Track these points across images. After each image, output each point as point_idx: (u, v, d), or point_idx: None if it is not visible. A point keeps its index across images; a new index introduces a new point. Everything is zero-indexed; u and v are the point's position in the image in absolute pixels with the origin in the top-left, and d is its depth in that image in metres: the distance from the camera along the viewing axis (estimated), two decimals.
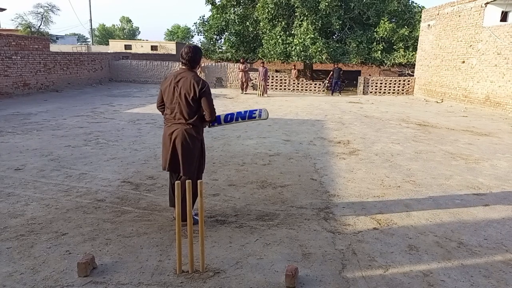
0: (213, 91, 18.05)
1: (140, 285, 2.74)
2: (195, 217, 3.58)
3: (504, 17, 13.85)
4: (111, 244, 3.32)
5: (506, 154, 7.12)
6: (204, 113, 3.50)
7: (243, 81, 18.30)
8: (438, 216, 4.11)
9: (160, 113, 3.72)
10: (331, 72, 19.26)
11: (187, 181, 2.86)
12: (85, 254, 2.98)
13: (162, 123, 3.73)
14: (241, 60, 19.20)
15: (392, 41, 20.72)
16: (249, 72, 19.11)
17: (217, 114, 3.60)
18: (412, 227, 3.82)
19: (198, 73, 3.64)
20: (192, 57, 3.47)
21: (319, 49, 19.58)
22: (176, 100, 3.44)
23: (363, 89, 19.30)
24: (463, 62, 15.11)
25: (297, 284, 2.76)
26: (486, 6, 13.93)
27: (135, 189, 4.73)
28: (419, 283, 2.86)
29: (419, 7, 22.17)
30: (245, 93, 17.97)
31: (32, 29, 38.47)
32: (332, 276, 2.91)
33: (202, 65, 20.17)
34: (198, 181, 2.85)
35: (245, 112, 3.75)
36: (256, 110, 3.75)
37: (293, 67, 22.36)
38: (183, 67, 3.53)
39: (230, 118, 3.72)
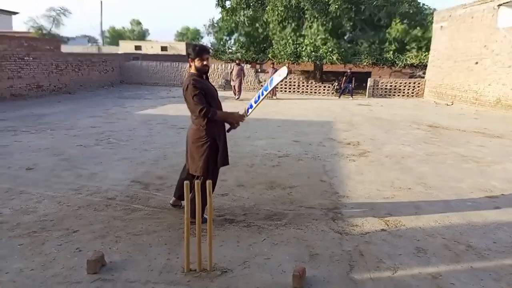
0: (222, 93, 18.04)
1: (148, 283, 2.76)
2: (204, 216, 3.60)
3: None
4: (120, 241, 3.36)
5: None
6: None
7: (235, 84, 16.19)
8: (448, 218, 4.07)
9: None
10: (344, 76, 19.15)
11: (196, 181, 2.89)
12: (95, 252, 3.02)
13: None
14: (236, 62, 17.57)
15: (405, 41, 20.53)
16: (243, 75, 16.72)
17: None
18: (421, 229, 3.79)
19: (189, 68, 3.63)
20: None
21: (330, 49, 19.49)
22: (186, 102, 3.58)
23: (373, 91, 19.18)
24: (477, 63, 14.93)
25: (305, 285, 2.76)
26: (499, 8, 13.75)
27: (144, 188, 4.78)
28: (428, 285, 2.84)
29: (430, 9, 21.99)
30: (238, 99, 15.80)
31: (44, 32, 39.03)
32: (340, 277, 2.91)
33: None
34: (207, 181, 2.88)
35: (267, 84, 3.84)
36: (272, 77, 3.79)
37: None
38: None
39: (258, 97, 3.80)
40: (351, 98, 18.36)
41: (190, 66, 3.53)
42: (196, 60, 3.46)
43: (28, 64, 14.28)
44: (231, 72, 16.94)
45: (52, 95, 15.21)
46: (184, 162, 3.93)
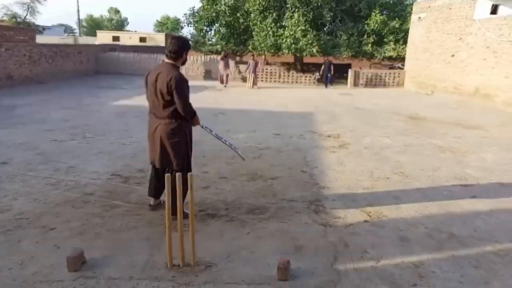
0: (202, 83, 17.98)
1: (132, 280, 2.71)
2: (186, 210, 3.55)
3: (494, 10, 13.94)
4: (100, 238, 3.28)
5: (493, 146, 7.21)
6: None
7: (222, 73, 17.61)
8: (427, 208, 4.15)
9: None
10: (323, 66, 19.23)
11: (177, 174, 2.82)
12: (74, 249, 2.93)
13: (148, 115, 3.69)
14: (224, 53, 18.81)
15: (383, 34, 20.75)
16: (236, 65, 18.55)
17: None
18: (402, 219, 3.85)
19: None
20: (175, 48, 3.40)
21: (310, 41, 19.51)
22: (155, 94, 3.43)
23: (354, 81, 19.34)
24: (453, 56, 15.22)
25: (289, 277, 2.76)
26: None
27: (124, 182, 4.68)
28: (410, 274, 2.89)
29: None
30: (225, 86, 17.29)
31: (18, 20, 37.60)
32: (324, 268, 2.92)
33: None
34: (189, 174, 2.83)
35: (231, 144, 4.07)
36: (238, 149, 4.12)
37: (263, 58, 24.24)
38: (165, 59, 3.50)
39: (219, 136, 3.97)
40: (331, 87, 18.48)
41: (178, 59, 3.46)
42: (187, 53, 3.50)
43: None
44: (221, 61, 17.80)
45: (23, 85, 14.67)
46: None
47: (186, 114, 3.44)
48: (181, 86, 3.35)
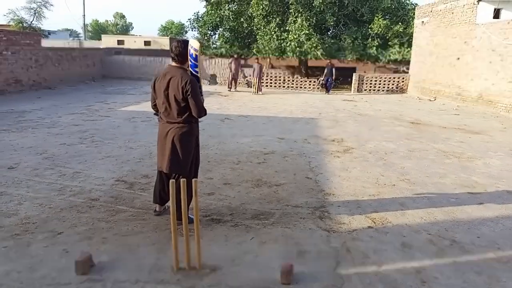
0: (206, 88, 18.05)
1: (138, 283, 2.75)
2: (190, 216, 3.60)
3: (496, 14, 13.95)
4: (107, 242, 3.33)
5: (498, 152, 7.21)
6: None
7: (231, 77, 17.63)
8: (432, 215, 4.16)
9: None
10: (325, 70, 19.20)
11: (181, 179, 2.87)
12: (82, 252, 2.98)
13: (157, 121, 3.74)
14: (235, 56, 18.79)
15: (387, 37, 20.78)
16: (241, 69, 18.48)
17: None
18: (407, 226, 3.87)
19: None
20: (181, 51, 3.45)
21: (314, 44, 19.58)
22: (166, 100, 3.45)
23: (358, 86, 19.34)
24: (458, 59, 15.20)
25: (293, 281, 2.80)
26: (478, 3, 14.01)
27: (129, 188, 4.73)
28: (412, 279, 2.91)
29: (412, 4, 22.29)
30: (234, 91, 17.34)
31: (25, 25, 37.94)
32: (327, 273, 2.95)
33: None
34: (193, 180, 2.87)
35: (190, 60, 3.58)
36: (190, 50, 3.58)
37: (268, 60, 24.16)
38: (172, 63, 3.53)
39: (195, 72, 3.62)
40: (327, 93, 18.23)
41: (185, 62, 3.51)
42: None
43: (6, 59, 13.89)
44: (231, 64, 17.69)
45: (32, 90, 14.85)
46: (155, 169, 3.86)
47: (201, 115, 3.50)
48: (195, 89, 3.41)
